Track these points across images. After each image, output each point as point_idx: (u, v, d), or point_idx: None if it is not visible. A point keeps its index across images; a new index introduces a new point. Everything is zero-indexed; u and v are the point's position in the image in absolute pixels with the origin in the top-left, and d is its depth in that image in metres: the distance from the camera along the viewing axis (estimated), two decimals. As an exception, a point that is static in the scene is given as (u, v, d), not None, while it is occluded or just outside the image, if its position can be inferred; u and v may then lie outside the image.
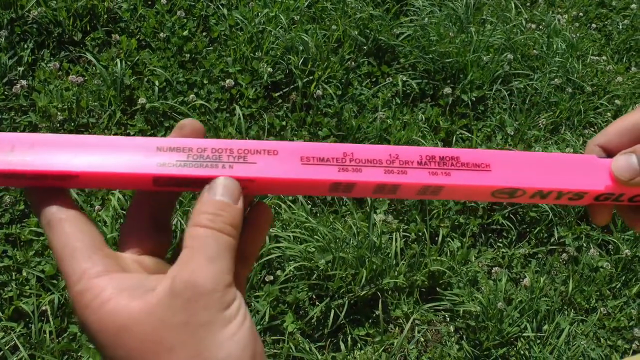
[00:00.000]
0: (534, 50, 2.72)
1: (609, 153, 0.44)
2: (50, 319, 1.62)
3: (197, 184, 0.38)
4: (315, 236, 1.87)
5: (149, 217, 0.40)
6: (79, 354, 1.60)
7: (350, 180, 0.39)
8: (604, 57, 2.90)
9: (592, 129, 2.61)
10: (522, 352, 1.91)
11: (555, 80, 2.60)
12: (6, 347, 1.57)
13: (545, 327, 1.96)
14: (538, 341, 1.93)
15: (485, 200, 0.41)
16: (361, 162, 0.39)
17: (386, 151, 0.40)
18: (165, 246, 0.41)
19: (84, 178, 0.37)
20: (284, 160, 0.38)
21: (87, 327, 0.34)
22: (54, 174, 0.36)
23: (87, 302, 0.34)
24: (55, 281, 1.67)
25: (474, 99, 2.44)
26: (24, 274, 1.67)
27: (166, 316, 0.33)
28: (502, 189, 0.41)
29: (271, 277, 1.79)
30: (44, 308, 1.64)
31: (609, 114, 2.62)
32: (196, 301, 0.33)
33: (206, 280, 0.34)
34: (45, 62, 2.12)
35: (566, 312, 2.03)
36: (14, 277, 1.67)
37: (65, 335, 1.63)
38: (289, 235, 1.87)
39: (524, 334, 1.92)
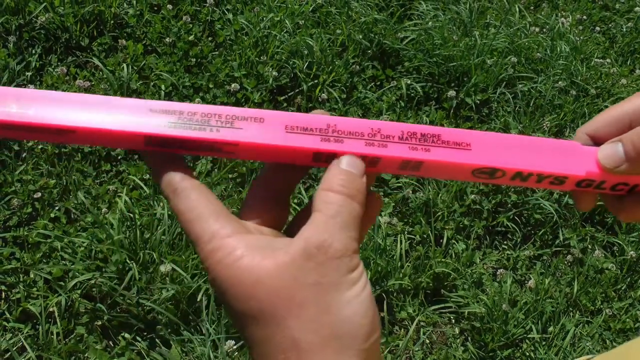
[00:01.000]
0: (538, 54, 2.73)
1: (597, 141, 0.44)
2: (58, 320, 1.63)
3: (186, 146, 0.40)
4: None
5: (274, 190, 0.43)
6: (86, 355, 1.61)
7: (331, 149, 0.40)
8: (608, 60, 2.91)
9: (597, 132, 2.62)
10: (527, 354, 1.91)
11: (560, 83, 2.61)
12: (14, 348, 1.58)
13: (551, 328, 1.96)
14: (543, 342, 1.94)
15: (466, 180, 0.41)
16: (343, 133, 0.40)
17: (369, 125, 0.41)
18: (282, 220, 0.43)
19: (80, 133, 0.39)
20: (269, 127, 0.40)
21: (220, 281, 0.37)
22: (52, 127, 0.38)
23: (220, 259, 0.37)
24: (62, 283, 1.68)
25: (478, 102, 2.45)
26: (32, 275, 1.69)
27: (299, 274, 0.36)
28: (482, 168, 0.42)
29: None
30: (51, 309, 1.65)
31: (613, 116, 2.62)
32: (328, 263, 0.36)
33: (339, 245, 0.37)
34: (53, 67, 2.14)
35: (571, 314, 2.03)
36: (21, 279, 1.68)
37: (72, 336, 1.64)
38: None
39: (529, 336, 1.93)
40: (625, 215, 0.45)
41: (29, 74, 2.08)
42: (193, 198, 0.39)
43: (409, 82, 2.44)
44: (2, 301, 1.67)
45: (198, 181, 0.40)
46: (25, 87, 1.96)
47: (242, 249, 0.37)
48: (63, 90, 1.98)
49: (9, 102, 0.38)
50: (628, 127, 0.43)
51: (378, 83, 2.46)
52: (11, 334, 1.63)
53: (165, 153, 0.41)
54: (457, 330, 1.94)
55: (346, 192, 0.38)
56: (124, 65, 2.13)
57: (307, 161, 0.42)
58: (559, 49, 2.76)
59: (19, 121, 0.38)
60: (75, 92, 1.90)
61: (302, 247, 0.36)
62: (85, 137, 0.40)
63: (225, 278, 0.36)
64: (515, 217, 2.20)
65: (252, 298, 0.36)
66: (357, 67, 2.41)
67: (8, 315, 1.65)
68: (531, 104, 2.54)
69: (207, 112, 0.40)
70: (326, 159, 0.41)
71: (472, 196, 2.14)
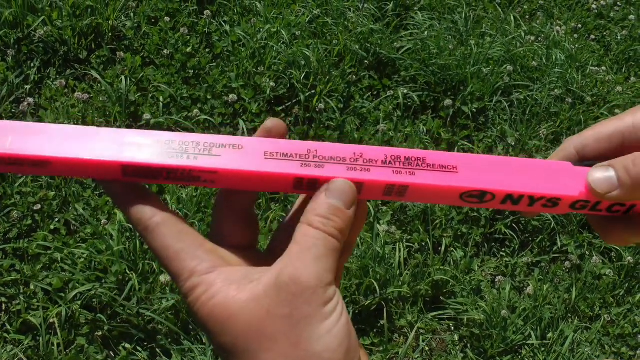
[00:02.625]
0: (534, 62, 2.75)
1: (585, 157, 0.44)
2: (58, 331, 1.64)
3: (162, 175, 0.40)
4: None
5: (238, 211, 0.43)
6: (87, 366, 1.62)
7: (312, 175, 0.39)
8: (604, 68, 2.92)
9: (593, 139, 2.63)
10: (526, 360, 1.92)
11: (555, 91, 2.63)
12: (15, 360, 1.59)
13: (550, 334, 1.96)
14: (542, 349, 1.94)
15: (455, 204, 0.39)
16: (324, 158, 0.40)
17: (351, 149, 0.40)
18: (254, 234, 0.44)
19: (57, 164, 0.39)
20: (248, 154, 0.39)
21: (199, 317, 0.37)
22: (29, 158, 0.38)
23: (198, 296, 0.37)
24: (62, 294, 1.69)
25: (474, 110, 2.47)
26: (32, 287, 1.69)
27: (271, 307, 0.36)
28: (470, 191, 0.41)
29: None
30: (51, 320, 1.66)
31: (609, 123, 2.64)
32: (300, 296, 0.36)
33: (310, 278, 0.36)
34: (52, 80, 2.16)
35: (570, 320, 2.04)
36: (22, 291, 1.69)
37: (73, 347, 1.65)
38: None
39: (528, 342, 1.93)
40: (613, 239, 0.43)
41: (28, 87, 2.09)
42: (166, 234, 0.39)
43: (405, 91, 2.46)
44: (3, 313, 1.68)
45: (169, 213, 0.40)
46: (24, 100, 1.98)
47: (219, 284, 0.37)
48: (62, 103, 2.00)
49: None
50: (620, 145, 0.42)
51: (375, 93, 2.48)
52: (12, 346, 1.63)
53: (132, 184, 0.40)
54: (456, 337, 1.94)
55: (325, 229, 0.38)
56: (122, 77, 2.14)
57: (288, 188, 0.41)
58: (554, 57, 2.78)
59: None
60: (74, 104, 1.90)
61: (274, 279, 0.36)
62: (63, 168, 0.39)
63: (204, 314, 0.37)
64: (513, 224, 2.21)
65: (226, 333, 0.36)
66: (354, 77, 2.43)
67: (9, 327, 1.65)
68: (527, 112, 2.56)
69: (185, 140, 0.39)
70: (307, 185, 0.40)
71: (470, 204, 2.15)
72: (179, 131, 2.07)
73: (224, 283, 0.37)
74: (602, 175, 0.40)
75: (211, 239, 0.42)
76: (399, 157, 0.41)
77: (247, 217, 0.43)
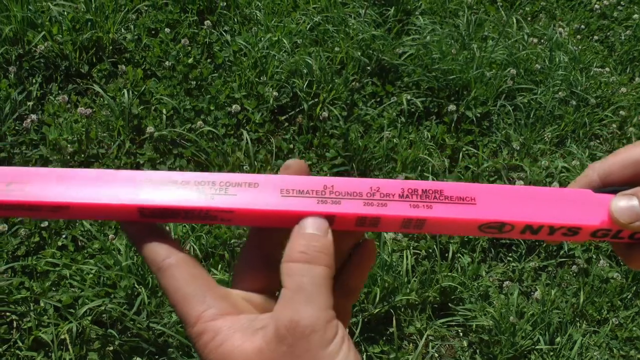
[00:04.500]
0: (537, 65, 2.74)
1: (608, 184, 0.43)
2: (70, 347, 1.64)
3: (180, 215, 0.40)
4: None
5: (262, 255, 0.43)
6: (97, 382, 1.62)
7: (329, 212, 0.39)
8: (607, 69, 2.92)
9: (598, 141, 2.63)
10: (536, 366, 1.91)
11: (559, 93, 2.62)
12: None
13: (558, 339, 1.96)
14: (551, 353, 1.94)
15: (474, 235, 0.39)
16: (341, 194, 0.40)
17: (368, 184, 0.40)
18: (277, 282, 0.42)
19: (74, 209, 0.39)
20: (264, 192, 0.40)
21: None
22: (47, 204, 0.39)
23: (205, 342, 0.37)
24: (72, 310, 1.69)
25: (478, 115, 2.46)
26: (42, 304, 1.70)
27: (273, 357, 0.36)
28: (489, 223, 0.40)
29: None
30: (62, 337, 1.66)
31: (614, 125, 2.64)
32: (300, 344, 0.36)
33: (306, 323, 0.36)
34: (54, 95, 2.16)
35: (578, 324, 2.03)
36: (32, 308, 1.69)
37: (84, 363, 1.65)
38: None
39: (537, 347, 1.93)
40: (636, 264, 0.43)
41: (31, 103, 2.09)
42: (178, 277, 0.39)
43: (409, 97, 2.45)
44: (14, 330, 1.68)
45: (183, 254, 0.40)
46: (27, 117, 1.98)
47: (225, 332, 0.37)
48: (65, 119, 2.00)
49: (2, 182, 0.39)
50: None
51: (378, 99, 2.47)
52: (23, 364, 1.63)
53: (147, 224, 0.41)
54: (465, 343, 1.94)
55: (306, 257, 0.38)
56: (125, 90, 2.14)
57: None
58: (557, 60, 2.77)
59: (14, 200, 0.38)
60: (77, 119, 1.90)
61: (274, 329, 0.36)
62: (80, 212, 0.40)
63: None
64: (520, 229, 2.20)
65: None
66: (357, 84, 2.42)
67: (20, 344, 1.65)
68: (531, 116, 2.55)
69: (201, 180, 0.40)
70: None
71: (476, 209, 2.14)
72: (183, 144, 2.08)
73: (229, 331, 0.37)
74: (625, 204, 0.40)
75: (233, 279, 0.43)
76: (416, 190, 0.40)
77: (270, 263, 0.43)
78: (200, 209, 0.39)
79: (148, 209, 0.39)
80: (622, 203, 0.40)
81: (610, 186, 0.43)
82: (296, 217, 0.40)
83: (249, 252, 0.43)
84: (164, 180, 0.40)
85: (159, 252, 0.39)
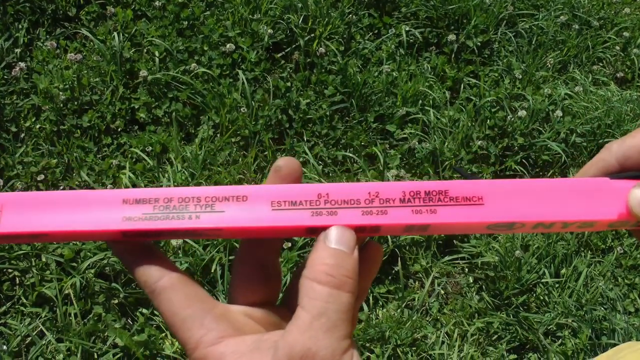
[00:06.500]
0: (537, -13, 2.66)
1: (628, 168, 0.39)
2: (74, 301, 1.64)
3: (165, 234, 0.38)
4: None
5: (257, 265, 0.40)
6: (106, 334, 1.62)
7: (324, 224, 0.36)
8: (610, -12, 2.83)
9: (601, 64, 2.57)
10: (541, 298, 1.92)
11: (561, 17, 2.55)
12: (34, 333, 1.59)
13: (563, 271, 1.96)
14: (557, 286, 1.94)
15: (482, 233, 0.36)
16: (337, 203, 0.37)
17: (365, 189, 0.37)
18: (275, 290, 0.41)
19: (54, 236, 0.37)
20: (253, 206, 0.37)
21: None
22: (24, 234, 0.36)
23: None
24: (74, 264, 1.68)
25: (479, 44, 2.40)
26: (44, 259, 1.68)
27: None
28: (498, 223, 0.38)
29: (289, 244, 1.79)
30: (66, 291, 1.65)
31: (617, 47, 2.58)
32: None
33: (325, 352, 0.33)
34: (42, 41, 2.09)
35: (583, 255, 2.03)
36: (34, 263, 1.68)
37: (91, 316, 1.64)
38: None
39: (542, 280, 1.93)
40: None
41: (18, 50, 2.03)
42: (173, 300, 0.36)
43: (407, 28, 2.38)
44: (17, 287, 1.67)
45: (177, 273, 0.37)
46: (16, 65, 1.92)
47: (229, 357, 0.35)
48: (55, 65, 1.94)
49: None
50: None
51: (376, 32, 2.40)
52: (30, 319, 1.63)
53: (138, 243, 0.38)
54: (471, 280, 1.94)
55: (334, 282, 0.34)
56: (115, 33, 2.07)
57: (300, 234, 0.38)
58: (558, -19, 2.69)
59: None
60: (67, 65, 1.84)
61: (286, 356, 0.33)
62: (60, 237, 0.37)
63: None
64: (523, 160, 2.18)
65: None
66: (354, 16, 2.35)
67: (24, 300, 1.65)
68: (533, 42, 2.49)
69: (185, 197, 0.37)
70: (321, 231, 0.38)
71: (479, 142, 2.12)
72: (178, 87, 2.02)
73: (233, 356, 0.35)
74: None
75: (229, 294, 0.40)
76: (419, 192, 0.37)
77: (266, 273, 0.40)
78: (186, 230, 0.37)
79: (130, 231, 0.37)
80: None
81: (630, 170, 0.39)
82: (290, 232, 0.37)
83: (243, 262, 0.40)
84: (144, 199, 0.37)
85: (151, 274, 0.37)
